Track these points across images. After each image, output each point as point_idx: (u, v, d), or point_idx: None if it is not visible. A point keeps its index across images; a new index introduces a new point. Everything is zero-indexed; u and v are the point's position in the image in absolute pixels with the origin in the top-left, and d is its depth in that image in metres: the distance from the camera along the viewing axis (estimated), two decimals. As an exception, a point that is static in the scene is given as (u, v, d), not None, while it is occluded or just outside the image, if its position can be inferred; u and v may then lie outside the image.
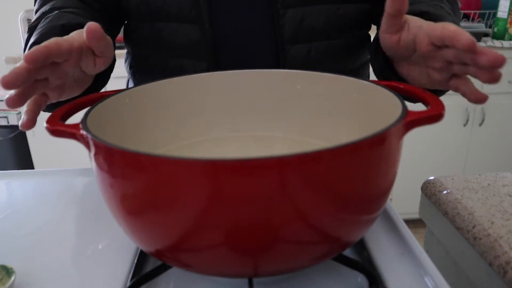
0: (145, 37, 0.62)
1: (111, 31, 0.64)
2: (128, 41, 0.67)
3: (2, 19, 2.11)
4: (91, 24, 0.39)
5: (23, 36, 1.83)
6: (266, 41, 0.59)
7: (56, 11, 0.52)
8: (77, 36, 0.42)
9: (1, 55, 1.85)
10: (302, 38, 0.59)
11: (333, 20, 0.59)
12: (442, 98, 0.42)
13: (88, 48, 0.42)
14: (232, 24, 0.59)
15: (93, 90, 0.50)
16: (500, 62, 0.34)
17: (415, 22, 0.43)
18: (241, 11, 0.59)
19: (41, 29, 0.49)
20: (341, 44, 0.61)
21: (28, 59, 0.36)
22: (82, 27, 0.43)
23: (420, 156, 1.87)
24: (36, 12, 0.58)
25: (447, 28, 0.37)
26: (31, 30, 0.51)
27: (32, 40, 0.49)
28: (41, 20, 0.51)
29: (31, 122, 0.39)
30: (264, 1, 0.57)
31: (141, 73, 0.66)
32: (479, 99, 0.38)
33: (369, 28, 0.66)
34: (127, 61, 0.69)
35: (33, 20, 0.54)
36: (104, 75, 0.53)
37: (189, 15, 0.57)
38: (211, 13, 0.57)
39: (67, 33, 0.44)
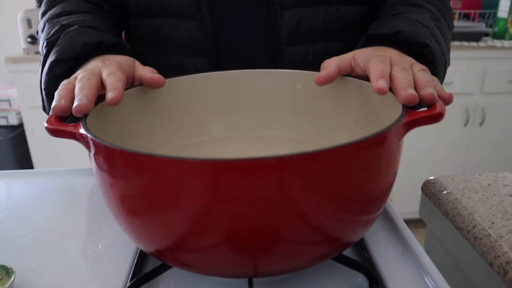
0: (144, 34, 0.62)
1: (122, 30, 0.65)
2: (128, 39, 0.66)
3: (2, 19, 2.11)
4: (160, 78, 0.47)
5: (22, 36, 1.83)
6: (264, 42, 0.59)
7: (76, 26, 0.51)
8: (127, 67, 0.47)
9: (1, 55, 1.85)
10: (299, 40, 0.58)
11: (331, 22, 0.59)
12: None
13: (130, 80, 0.48)
14: (231, 21, 0.59)
15: None
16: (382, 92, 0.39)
17: (361, 57, 0.46)
18: (241, 9, 0.59)
19: (61, 45, 0.49)
20: (340, 47, 0.60)
21: (111, 103, 0.40)
22: (103, 45, 0.49)
23: (420, 156, 1.87)
24: (44, 14, 0.57)
25: (370, 75, 0.42)
26: (50, 44, 0.50)
27: (52, 57, 0.48)
28: (60, 35, 0.50)
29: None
30: (263, 0, 0.57)
31: None
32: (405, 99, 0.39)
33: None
34: None
35: (46, 28, 0.53)
36: None
37: (190, 11, 0.57)
38: (212, 9, 0.57)
39: (89, 51, 0.49)
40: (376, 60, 0.43)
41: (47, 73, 0.48)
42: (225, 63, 0.60)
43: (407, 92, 0.38)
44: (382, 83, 0.40)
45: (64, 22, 0.52)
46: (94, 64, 0.46)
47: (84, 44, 0.48)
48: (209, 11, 0.57)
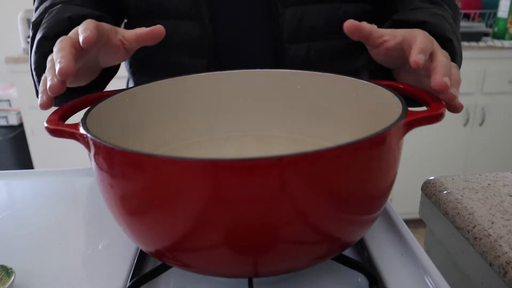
0: None
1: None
2: None
3: (2, 19, 2.11)
4: (159, 27, 0.45)
5: (22, 36, 1.83)
6: (265, 40, 0.59)
7: (59, 5, 0.52)
8: (107, 26, 0.43)
9: (1, 55, 1.85)
10: (301, 38, 0.58)
11: (333, 20, 0.59)
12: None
13: (114, 39, 0.44)
14: (232, 21, 0.59)
15: (95, 86, 0.51)
16: (442, 88, 0.37)
17: (403, 30, 0.44)
18: (241, 8, 0.59)
19: (46, 23, 0.49)
20: (342, 45, 0.60)
21: (86, 42, 0.38)
22: (88, 18, 0.45)
23: (420, 156, 1.87)
24: (36, 9, 0.57)
25: (413, 45, 0.40)
26: (35, 26, 0.50)
27: (39, 35, 0.48)
28: (44, 15, 0.51)
29: (51, 101, 0.39)
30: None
31: (141, 72, 0.66)
32: (452, 105, 0.39)
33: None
34: (127, 59, 0.69)
35: (34, 17, 0.54)
36: (109, 74, 0.54)
37: (189, 11, 0.57)
38: (211, 10, 0.57)
39: (74, 25, 0.45)
40: (425, 35, 0.42)
41: (35, 52, 0.48)
42: (225, 63, 0.60)
43: (443, 79, 0.37)
44: (421, 58, 0.38)
45: (48, 5, 0.53)
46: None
47: (69, 18, 0.48)
48: (208, 12, 0.57)
